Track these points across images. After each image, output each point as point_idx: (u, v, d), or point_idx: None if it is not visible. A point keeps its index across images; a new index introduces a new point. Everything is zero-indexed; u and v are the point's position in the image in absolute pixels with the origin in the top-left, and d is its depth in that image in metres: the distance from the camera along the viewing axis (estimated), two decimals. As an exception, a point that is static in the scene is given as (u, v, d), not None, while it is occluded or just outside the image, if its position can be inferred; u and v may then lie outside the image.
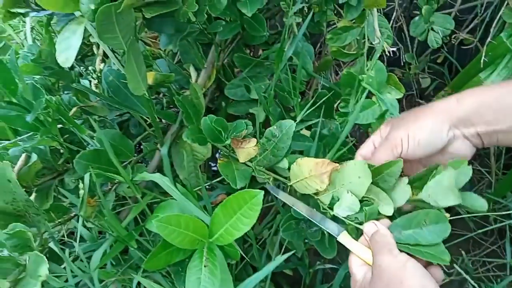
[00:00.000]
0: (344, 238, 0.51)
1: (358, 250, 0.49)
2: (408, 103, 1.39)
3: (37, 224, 0.45)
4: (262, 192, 0.42)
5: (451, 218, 1.06)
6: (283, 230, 0.68)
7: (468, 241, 1.17)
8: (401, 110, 1.40)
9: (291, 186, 0.56)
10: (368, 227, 0.49)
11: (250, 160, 0.60)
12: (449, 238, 1.12)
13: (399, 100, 0.78)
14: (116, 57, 0.61)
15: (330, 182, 0.52)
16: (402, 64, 1.34)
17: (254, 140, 0.61)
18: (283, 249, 0.84)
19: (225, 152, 0.62)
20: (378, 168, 0.50)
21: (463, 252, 1.08)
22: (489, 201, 1.21)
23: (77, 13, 0.50)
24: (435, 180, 0.48)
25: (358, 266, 0.48)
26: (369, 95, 0.79)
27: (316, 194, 0.54)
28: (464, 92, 0.50)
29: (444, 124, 0.49)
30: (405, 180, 0.51)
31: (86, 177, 0.50)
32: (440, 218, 0.47)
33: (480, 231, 1.06)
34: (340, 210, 0.51)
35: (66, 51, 0.47)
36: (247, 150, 0.59)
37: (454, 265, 0.82)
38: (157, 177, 0.49)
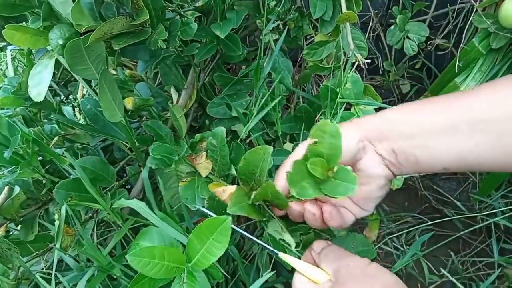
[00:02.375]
0: (285, 256, 0.47)
1: (302, 267, 0.45)
2: (391, 109, 1.41)
3: (10, 259, 0.46)
4: (229, 218, 0.43)
5: (440, 220, 1.07)
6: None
7: (458, 241, 1.19)
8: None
9: None
10: (318, 243, 0.46)
11: (212, 173, 0.61)
12: (438, 239, 1.14)
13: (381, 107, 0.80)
14: (91, 86, 0.62)
15: None
16: (381, 71, 1.36)
17: (203, 154, 0.61)
18: (272, 262, 0.85)
19: (191, 169, 0.63)
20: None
21: (452, 253, 1.09)
22: (474, 201, 1.23)
23: (49, 47, 0.51)
24: None
25: (304, 284, 0.44)
26: (348, 106, 0.81)
27: None
28: (387, 108, 0.47)
29: (353, 135, 0.44)
30: None
31: (63, 208, 0.51)
32: (365, 242, 0.49)
33: (467, 230, 1.07)
34: (272, 231, 0.50)
35: (38, 86, 0.48)
36: (203, 164, 0.60)
37: (441, 268, 0.83)
38: (133, 204, 0.50)
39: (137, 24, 0.50)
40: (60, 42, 0.45)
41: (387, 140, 0.44)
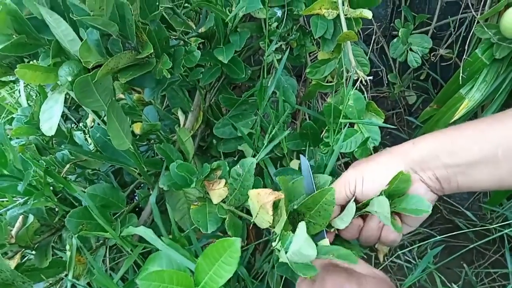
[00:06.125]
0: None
1: None
2: (397, 120, 1.41)
3: (24, 292, 0.47)
4: (239, 239, 0.44)
5: (451, 234, 1.07)
6: (278, 266, 0.70)
7: (471, 252, 1.17)
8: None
9: (253, 222, 0.57)
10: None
11: (224, 201, 0.62)
12: (451, 251, 1.13)
13: (387, 118, 0.80)
14: (99, 116, 0.64)
15: (275, 212, 0.52)
16: (386, 83, 1.37)
17: (223, 181, 0.62)
18: (282, 281, 0.86)
19: (202, 194, 0.64)
20: (313, 198, 0.51)
21: (465, 265, 1.08)
22: (486, 210, 1.22)
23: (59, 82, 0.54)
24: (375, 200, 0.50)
25: None
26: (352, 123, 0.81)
27: (272, 226, 0.54)
28: (421, 136, 0.52)
29: (400, 166, 0.50)
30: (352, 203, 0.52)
31: (74, 239, 0.52)
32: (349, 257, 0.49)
33: (480, 242, 1.06)
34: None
35: (50, 120, 0.50)
36: (218, 191, 0.61)
37: (453, 284, 0.83)
38: (141, 231, 0.51)
39: (142, 56, 0.52)
40: (69, 78, 0.47)
41: (431, 170, 0.49)
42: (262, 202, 0.52)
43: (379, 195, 0.50)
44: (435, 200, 0.52)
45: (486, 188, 0.49)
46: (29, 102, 1.07)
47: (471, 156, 0.47)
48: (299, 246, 0.45)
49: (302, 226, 0.45)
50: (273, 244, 0.51)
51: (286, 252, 0.48)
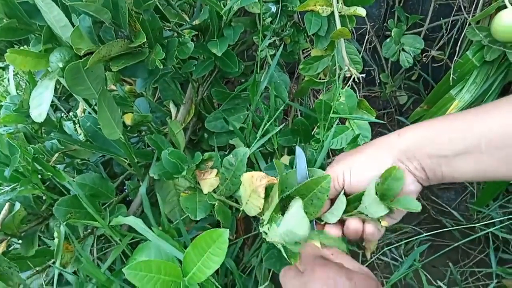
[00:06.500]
0: None
1: None
2: (388, 120, 1.42)
3: (10, 277, 0.47)
4: (228, 231, 0.44)
5: (438, 231, 1.08)
6: (266, 259, 0.70)
7: (457, 251, 1.19)
8: (382, 126, 1.44)
9: (243, 210, 0.56)
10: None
11: (214, 191, 0.62)
12: (437, 249, 1.15)
13: (378, 118, 0.81)
14: (90, 105, 0.64)
15: (266, 199, 0.52)
16: (378, 83, 1.38)
17: (214, 171, 0.62)
18: (270, 274, 0.86)
19: (192, 184, 0.64)
20: (307, 185, 0.50)
21: (450, 264, 1.10)
22: (473, 211, 1.24)
23: (50, 69, 0.53)
24: (366, 193, 0.50)
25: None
26: (343, 120, 0.82)
27: (261, 214, 0.53)
28: (406, 127, 0.52)
29: (387, 157, 0.50)
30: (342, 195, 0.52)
31: (62, 226, 0.52)
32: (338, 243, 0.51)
33: (465, 240, 1.07)
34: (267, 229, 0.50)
35: (39, 107, 0.49)
36: (209, 180, 0.61)
37: (438, 281, 0.84)
38: (131, 220, 0.51)
39: (135, 46, 0.52)
40: (60, 65, 0.47)
41: (416, 160, 0.49)
42: (255, 185, 0.52)
43: (369, 189, 0.50)
44: (420, 190, 0.53)
45: (470, 179, 0.49)
46: (18, 91, 1.05)
47: (455, 147, 0.47)
48: (291, 225, 0.45)
49: (298, 202, 0.44)
50: (261, 229, 0.51)
51: (278, 226, 0.47)
